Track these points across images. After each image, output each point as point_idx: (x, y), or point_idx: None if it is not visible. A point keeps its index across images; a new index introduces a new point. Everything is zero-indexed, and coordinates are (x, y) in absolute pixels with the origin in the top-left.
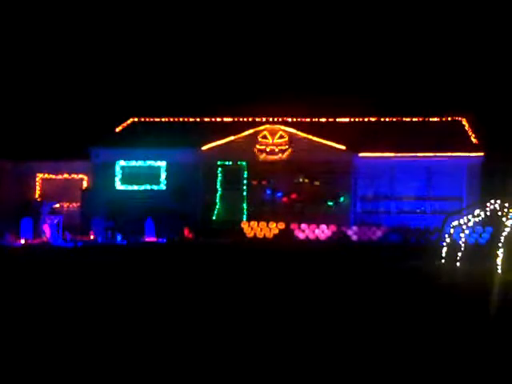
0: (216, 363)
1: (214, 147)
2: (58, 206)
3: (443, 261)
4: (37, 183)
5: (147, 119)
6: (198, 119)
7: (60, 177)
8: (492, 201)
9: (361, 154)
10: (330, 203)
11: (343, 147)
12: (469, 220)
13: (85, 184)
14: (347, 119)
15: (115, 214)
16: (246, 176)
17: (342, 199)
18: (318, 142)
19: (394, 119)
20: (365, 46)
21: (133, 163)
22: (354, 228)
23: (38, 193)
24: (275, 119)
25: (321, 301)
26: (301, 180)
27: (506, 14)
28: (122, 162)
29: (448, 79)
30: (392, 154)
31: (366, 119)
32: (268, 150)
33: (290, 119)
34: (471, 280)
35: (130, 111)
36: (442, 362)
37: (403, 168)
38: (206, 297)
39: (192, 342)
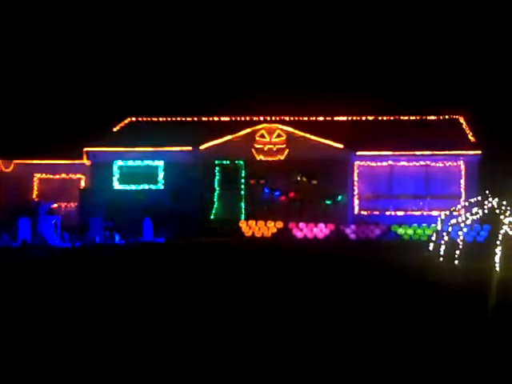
0: (214, 363)
1: (211, 146)
2: (55, 206)
3: (441, 259)
4: (34, 183)
5: (144, 118)
6: (195, 118)
7: (58, 177)
8: (490, 199)
9: (359, 153)
10: (328, 202)
11: (341, 146)
12: (467, 218)
13: (82, 184)
14: (345, 118)
15: (113, 214)
16: (243, 175)
17: (339, 198)
18: (315, 141)
19: (392, 118)
20: (362, 44)
21: (130, 163)
22: (352, 227)
23: (35, 193)
24: (273, 118)
25: (319, 301)
26: (299, 179)
27: (502, 11)
28: (119, 162)
29: (445, 77)
30: (390, 153)
31: (363, 118)
32: (266, 149)
33: (287, 118)
34: (469, 278)
35: (127, 110)
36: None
37: (401, 166)
38: (204, 297)
39: (190, 342)
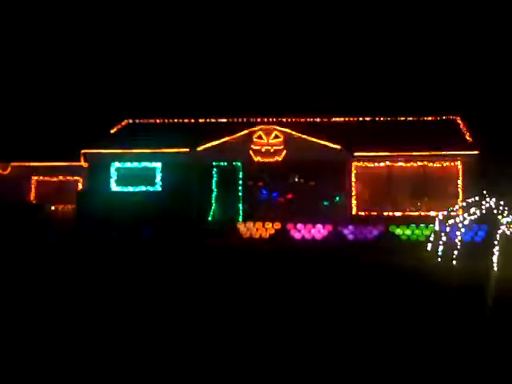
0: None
1: (209, 148)
2: (53, 208)
3: (439, 259)
4: (32, 185)
5: (142, 120)
6: (192, 120)
7: (55, 179)
8: (487, 199)
9: (356, 154)
10: (326, 203)
11: (338, 147)
12: (464, 218)
13: (80, 186)
14: (342, 119)
15: (111, 216)
16: (241, 176)
17: (337, 199)
18: (313, 142)
19: (389, 119)
20: (360, 46)
21: (128, 164)
22: (350, 227)
23: (33, 195)
24: (270, 119)
25: (318, 302)
26: (296, 180)
27: (499, 12)
28: (117, 164)
29: (442, 78)
30: (387, 153)
31: (360, 119)
32: (263, 150)
33: (284, 119)
34: (467, 278)
35: (124, 112)
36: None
37: (398, 167)
38: (203, 298)
39: (189, 342)
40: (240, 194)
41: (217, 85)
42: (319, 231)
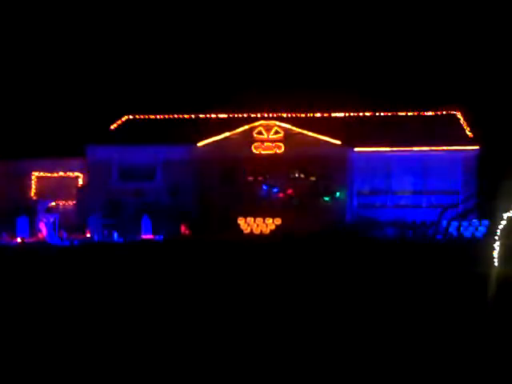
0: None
1: (209, 143)
2: (53, 204)
3: (441, 254)
4: (32, 182)
5: (142, 116)
6: (192, 116)
7: (55, 175)
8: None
9: (356, 149)
10: (326, 198)
11: (339, 142)
12: (465, 213)
13: (80, 182)
14: (342, 114)
15: (111, 212)
16: (241, 172)
17: (338, 194)
18: (313, 138)
19: (389, 113)
20: (359, 41)
21: (128, 160)
22: (351, 222)
23: (33, 191)
24: (270, 115)
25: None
26: (297, 175)
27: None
28: (117, 160)
29: (442, 73)
30: (387, 149)
31: (361, 114)
32: (263, 145)
33: (285, 115)
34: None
35: (124, 109)
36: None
37: (399, 162)
38: (204, 295)
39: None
40: (240, 189)
41: (217, 80)
42: (319, 226)
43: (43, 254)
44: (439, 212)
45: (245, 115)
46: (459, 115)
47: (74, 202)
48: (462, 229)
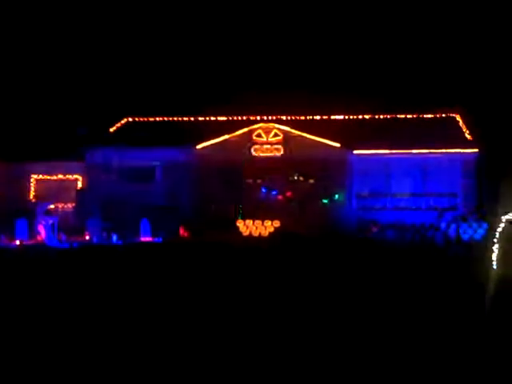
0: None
1: (208, 146)
2: (52, 206)
3: (440, 256)
4: (31, 184)
5: (141, 119)
6: (192, 118)
7: (55, 177)
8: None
9: (356, 152)
10: (326, 200)
11: (338, 145)
12: (464, 215)
13: (79, 184)
14: (341, 117)
15: (110, 214)
16: (240, 174)
17: (337, 196)
18: (312, 140)
19: (389, 116)
20: (359, 43)
21: (128, 163)
22: (350, 224)
23: (32, 194)
24: (270, 117)
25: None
26: (296, 178)
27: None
28: (116, 162)
29: (441, 76)
30: (387, 151)
31: (360, 116)
32: (263, 148)
33: (284, 117)
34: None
35: (123, 111)
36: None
37: (398, 165)
38: (203, 297)
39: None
40: (239, 191)
41: (216, 83)
42: (318, 229)
43: (42, 257)
44: (438, 214)
45: (244, 118)
46: (458, 118)
47: (73, 204)
48: (460, 231)
